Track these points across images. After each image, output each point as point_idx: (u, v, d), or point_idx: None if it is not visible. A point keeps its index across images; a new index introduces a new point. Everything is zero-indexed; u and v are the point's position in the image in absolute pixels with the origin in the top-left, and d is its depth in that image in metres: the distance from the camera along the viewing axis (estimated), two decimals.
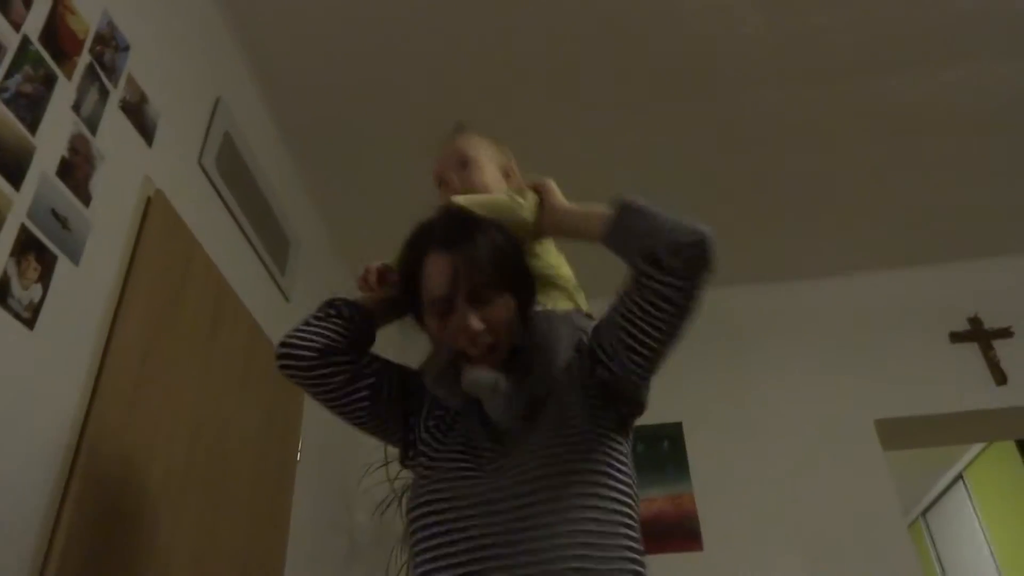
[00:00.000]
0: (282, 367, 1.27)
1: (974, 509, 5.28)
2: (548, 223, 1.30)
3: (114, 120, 1.77)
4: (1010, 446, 4.75)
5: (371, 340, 1.34)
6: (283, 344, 1.27)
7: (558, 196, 1.32)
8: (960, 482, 5.42)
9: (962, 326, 3.54)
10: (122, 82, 1.82)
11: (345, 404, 1.28)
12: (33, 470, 1.41)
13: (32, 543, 1.38)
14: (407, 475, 3.31)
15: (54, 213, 1.52)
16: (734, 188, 3.18)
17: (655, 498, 3.30)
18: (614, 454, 1.16)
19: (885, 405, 3.39)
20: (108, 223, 1.71)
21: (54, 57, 1.57)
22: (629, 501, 1.14)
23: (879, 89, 2.79)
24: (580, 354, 1.23)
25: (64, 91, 1.60)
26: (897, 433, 3.43)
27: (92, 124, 1.68)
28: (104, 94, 1.74)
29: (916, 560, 3.08)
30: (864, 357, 3.51)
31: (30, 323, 1.43)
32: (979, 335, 3.50)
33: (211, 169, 2.23)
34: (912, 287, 3.68)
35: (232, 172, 2.37)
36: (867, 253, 3.65)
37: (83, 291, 1.60)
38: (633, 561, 1.09)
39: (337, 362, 1.26)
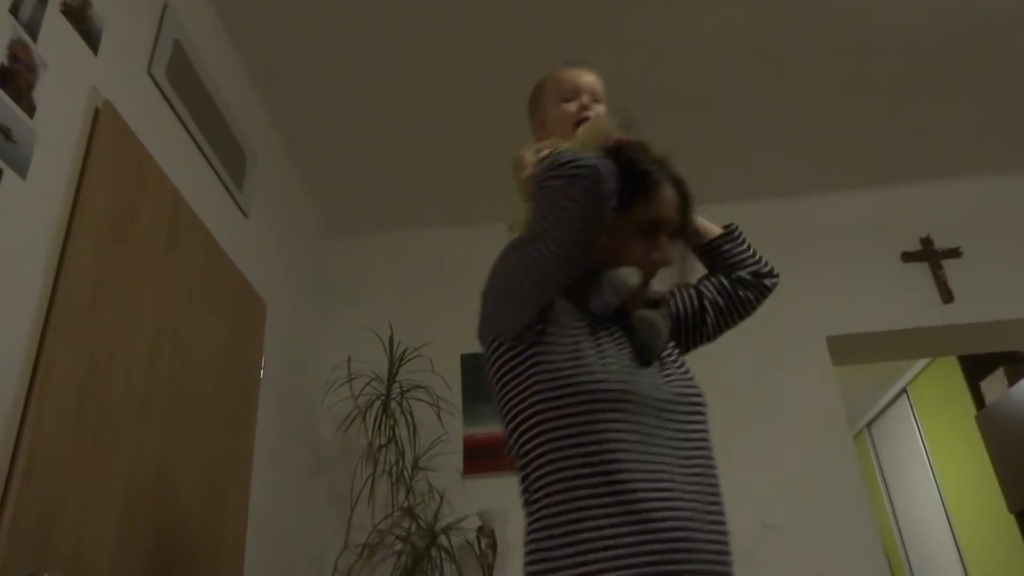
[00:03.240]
0: (587, 188, 1.17)
1: (916, 421, 5.54)
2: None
3: (56, 25, 1.69)
4: (952, 362, 4.95)
5: None
6: (592, 165, 1.17)
7: None
8: (904, 396, 5.66)
9: (914, 246, 3.63)
10: None
11: (592, 246, 1.22)
12: None
13: None
14: (370, 392, 3.35)
15: None
16: (683, 108, 3.17)
17: None
18: None
19: (837, 322, 3.50)
20: (55, 135, 1.64)
21: None
22: None
23: (830, 6, 2.76)
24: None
25: None
26: (847, 349, 3.56)
27: (32, 29, 1.60)
28: None
29: (858, 468, 3.24)
30: (818, 276, 3.59)
31: None
32: (929, 255, 3.60)
33: (161, 79, 2.15)
34: (866, 208, 3.75)
35: (183, 82, 2.29)
36: (822, 174, 3.69)
37: (32, 206, 1.55)
38: None
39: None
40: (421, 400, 3.28)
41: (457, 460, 3.32)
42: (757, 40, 2.88)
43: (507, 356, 1.28)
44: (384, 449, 3.16)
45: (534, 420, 1.21)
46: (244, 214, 2.71)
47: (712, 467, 1.25)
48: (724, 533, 1.20)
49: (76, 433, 1.57)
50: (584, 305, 1.31)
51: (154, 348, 1.92)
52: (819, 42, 2.91)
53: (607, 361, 1.23)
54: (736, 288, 1.49)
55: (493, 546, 3.04)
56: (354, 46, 2.79)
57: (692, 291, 1.50)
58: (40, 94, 1.60)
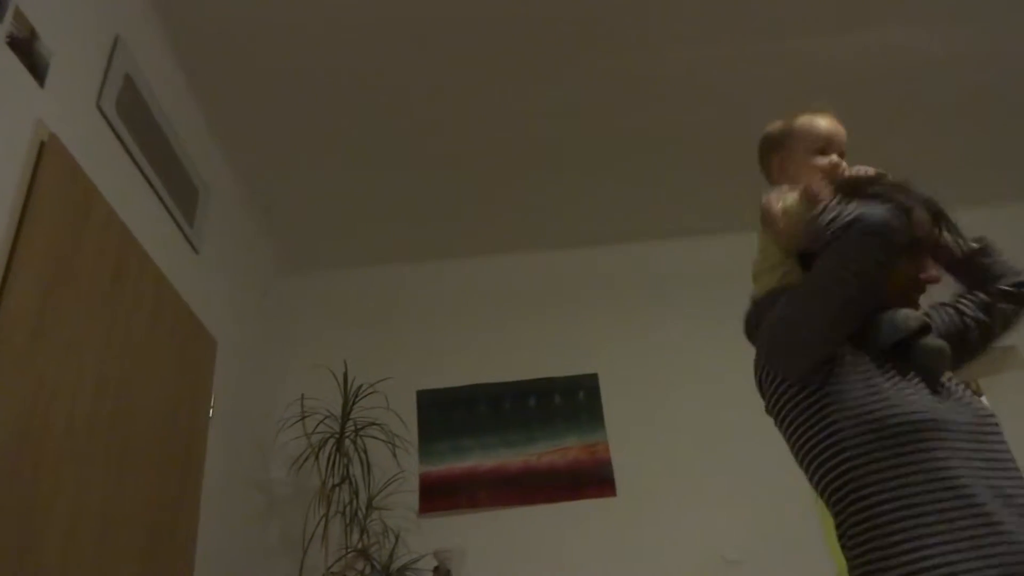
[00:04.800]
0: (887, 243, 1.30)
1: None
2: None
3: (1, 56, 1.65)
4: None
5: None
6: (891, 219, 1.30)
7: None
8: None
9: None
10: (8, 16, 1.68)
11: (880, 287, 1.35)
12: None
13: None
14: (323, 430, 3.29)
15: None
16: (641, 145, 3.22)
17: (570, 447, 3.39)
18: None
19: None
20: None
21: None
22: None
23: (793, 48, 2.86)
24: None
25: None
26: None
27: None
28: None
29: (818, 503, 3.27)
30: None
31: None
32: None
33: (111, 113, 2.11)
34: None
35: (134, 116, 2.25)
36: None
37: None
38: None
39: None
40: (376, 438, 3.23)
41: (412, 499, 3.27)
42: (717, 80, 2.95)
43: (798, 399, 1.33)
44: (338, 489, 3.10)
45: (840, 459, 1.26)
46: (195, 250, 2.66)
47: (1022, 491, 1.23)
48: None
49: (13, 476, 1.51)
50: (863, 342, 1.36)
51: (98, 387, 1.86)
52: (778, 81, 3.00)
53: (905, 392, 1.27)
54: (998, 301, 1.46)
55: None
56: (309, 83, 2.78)
57: (951, 309, 1.49)
58: None
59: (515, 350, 3.62)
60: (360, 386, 3.30)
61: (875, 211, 1.29)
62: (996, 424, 1.30)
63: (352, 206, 3.46)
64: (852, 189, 1.36)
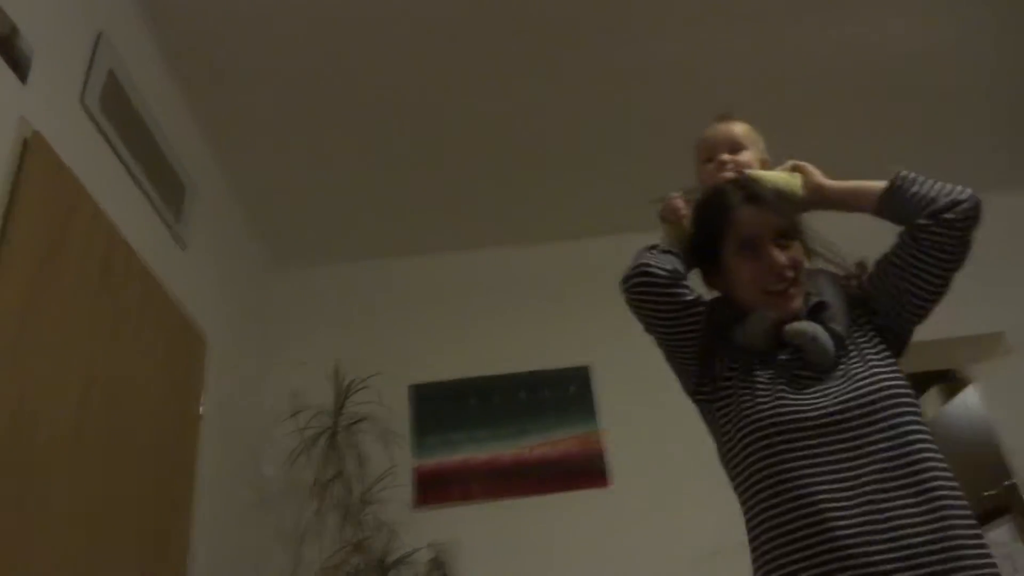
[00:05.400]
0: (636, 284, 1.43)
1: None
2: (819, 198, 1.49)
3: None
4: None
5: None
6: (641, 265, 1.44)
7: (821, 175, 1.51)
8: None
9: None
10: None
11: (682, 324, 1.42)
12: None
13: None
14: (316, 425, 3.28)
15: None
16: (632, 137, 3.23)
17: (561, 439, 3.39)
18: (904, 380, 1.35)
19: None
20: None
21: None
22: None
23: (790, 39, 2.85)
24: (853, 305, 1.42)
25: None
26: None
27: None
28: None
29: None
30: None
31: None
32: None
33: (95, 109, 2.09)
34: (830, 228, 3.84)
35: (119, 113, 2.23)
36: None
37: None
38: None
39: (684, 285, 1.43)
40: (368, 432, 3.23)
41: (406, 493, 3.27)
42: (705, 70, 2.95)
43: (702, 416, 1.48)
44: (331, 483, 3.10)
45: (729, 471, 1.38)
46: (183, 246, 2.64)
47: (900, 464, 1.20)
48: (912, 537, 1.14)
49: (3, 478, 1.50)
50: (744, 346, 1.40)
51: (86, 387, 1.85)
52: (767, 72, 2.99)
53: (757, 400, 1.32)
54: (915, 237, 1.33)
55: None
56: (296, 76, 2.77)
57: (877, 268, 1.43)
58: None
59: (506, 343, 3.62)
60: (352, 381, 3.29)
61: (642, 257, 1.45)
62: (875, 404, 1.26)
63: (340, 201, 3.44)
64: (695, 212, 1.50)
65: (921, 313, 1.38)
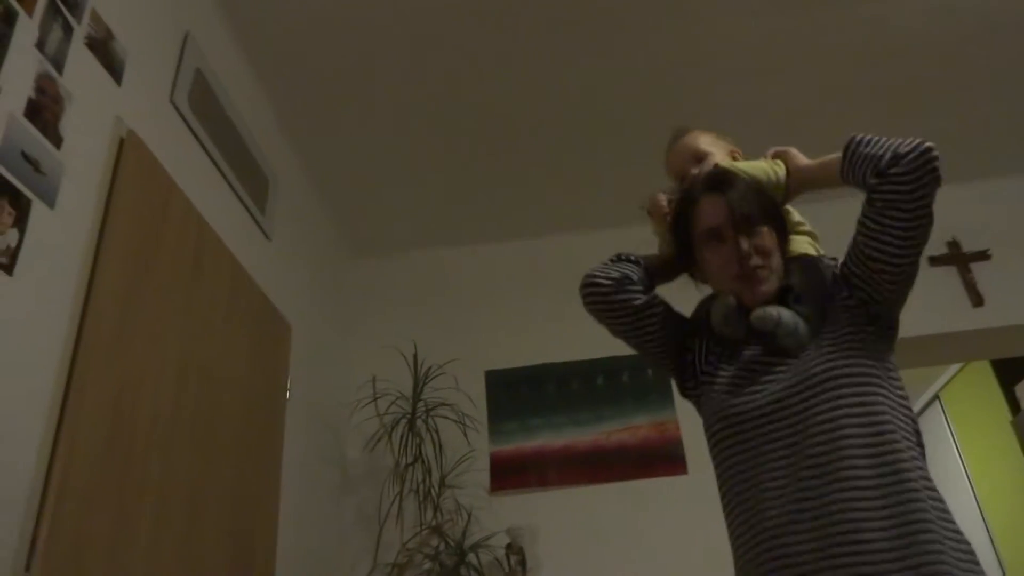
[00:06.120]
0: (586, 295, 1.50)
1: (949, 428, 5.44)
2: (797, 181, 1.49)
3: (80, 58, 1.72)
4: (985, 367, 4.86)
5: (653, 286, 1.55)
6: (587, 276, 1.51)
7: (801, 158, 1.50)
8: (937, 402, 5.56)
9: (940, 250, 3.58)
10: (86, 18, 1.75)
11: (638, 328, 1.48)
12: (20, 418, 1.41)
13: (28, 486, 1.39)
14: (395, 410, 3.35)
15: (24, 156, 1.48)
16: (703, 118, 3.15)
17: (640, 425, 3.37)
18: (887, 366, 1.32)
19: None
20: (81, 165, 1.67)
21: None
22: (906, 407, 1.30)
23: (844, 11, 2.75)
24: (836, 285, 1.38)
25: (26, 28, 1.54)
26: None
27: (58, 63, 1.63)
28: (68, 31, 1.68)
29: None
30: None
31: (8, 268, 1.41)
32: (958, 258, 3.55)
33: (183, 107, 2.18)
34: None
35: (205, 110, 2.32)
36: None
37: (60, 235, 1.58)
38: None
39: (631, 290, 1.47)
40: (446, 418, 3.28)
41: (483, 477, 3.31)
42: (781, 50, 2.87)
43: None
44: (411, 468, 3.16)
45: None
46: (267, 237, 2.73)
47: (833, 448, 1.18)
48: (837, 534, 1.11)
49: (106, 460, 1.59)
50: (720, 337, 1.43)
51: (181, 374, 1.94)
52: (839, 47, 2.89)
53: (715, 393, 1.37)
54: (870, 200, 1.27)
55: (523, 563, 3.02)
56: (373, 67, 2.82)
57: (849, 251, 1.37)
58: (66, 126, 1.63)
59: (583, 329, 3.58)
60: (430, 367, 3.35)
61: (594, 269, 1.52)
62: (812, 387, 1.24)
63: (416, 190, 3.50)
64: (675, 210, 1.52)
65: (895, 284, 1.29)
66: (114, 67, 1.85)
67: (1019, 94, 3.21)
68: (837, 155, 1.36)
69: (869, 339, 1.30)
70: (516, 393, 3.49)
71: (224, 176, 2.41)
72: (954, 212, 3.64)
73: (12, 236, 1.43)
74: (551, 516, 3.21)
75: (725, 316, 1.38)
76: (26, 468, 1.40)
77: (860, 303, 1.33)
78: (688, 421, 3.36)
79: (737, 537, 1.28)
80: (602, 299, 1.47)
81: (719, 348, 1.43)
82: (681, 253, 1.50)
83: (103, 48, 1.81)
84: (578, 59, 2.86)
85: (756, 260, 1.35)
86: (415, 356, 3.37)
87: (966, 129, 3.35)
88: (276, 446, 2.54)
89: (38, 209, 1.51)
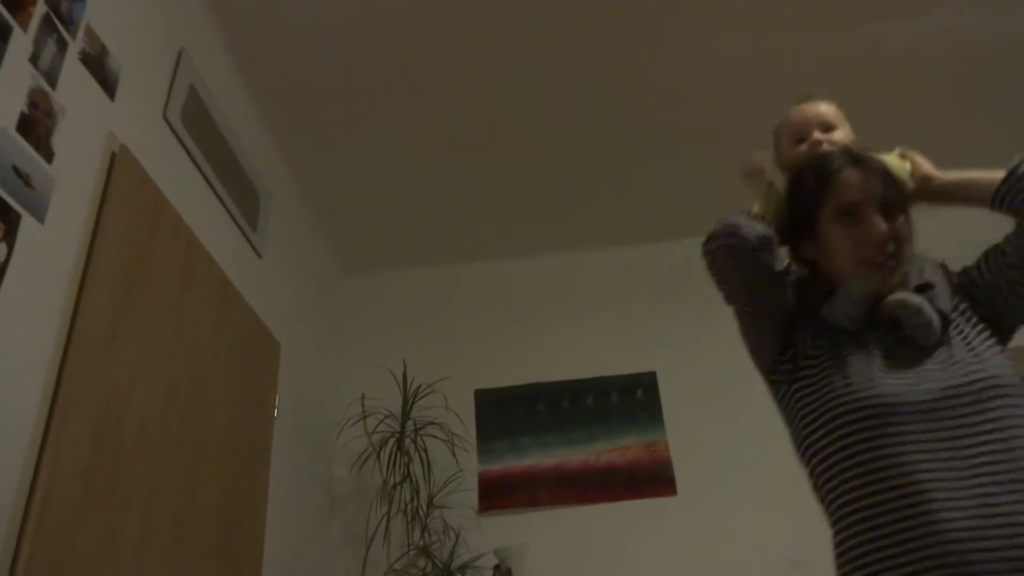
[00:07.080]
0: (721, 246, 1.32)
1: None
2: (928, 189, 1.38)
3: (74, 73, 1.72)
4: None
5: None
6: (727, 226, 1.32)
7: (928, 165, 1.41)
8: None
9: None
10: (80, 33, 1.76)
11: (771, 293, 1.34)
12: (5, 432, 1.39)
13: (10, 501, 1.37)
14: (384, 429, 3.33)
15: (15, 170, 1.48)
16: (700, 140, 3.19)
17: (629, 445, 3.37)
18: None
19: None
20: (72, 180, 1.67)
21: (7, 6, 1.51)
22: None
23: (859, 37, 2.79)
24: (954, 294, 1.33)
25: (20, 43, 1.54)
26: None
27: (51, 77, 1.63)
28: (63, 46, 1.68)
29: None
30: None
31: None
32: None
33: (176, 123, 2.18)
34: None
35: (198, 126, 2.32)
36: None
37: (50, 250, 1.57)
38: None
39: (775, 252, 1.33)
40: (435, 437, 3.26)
41: (472, 497, 3.29)
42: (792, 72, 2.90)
43: (776, 398, 1.36)
44: (399, 487, 3.14)
45: (809, 457, 1.26)
46: (258, 254, 2.73)
47: (1010, 457, 1.10)
48: None
49: (92, 474, 1.57)
50: (833, 323, 1.31)
51: (169, 389, 1.93)
52: (840, 69, 2.93)
53: (849, 380, 1.22)
54: None
55: None
56: (365, 85, 2.83)
57: (987, 257, 1.33)
58: (58, 140, 1.62)
59: (572, 348, 3.62)
60: (419, 386, 3.34)
61: (731, 221, 1.32)
62: (987, 390, 1.16)
63: (408, 208, 3.50)
64: (796, 176, 1.38)
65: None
66: (108, 82, 1.85)
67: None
68: (989, 175, 1.30)
69: (1002, 349, 1.26)
70: (506, 412, 3.49)
71: (215, 192, 2.41)
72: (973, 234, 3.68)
73: (1, 250, 1.42)
74: (540, 537, 3.19)
75: (859, 297, 1.27)
76: (9, 483, 1.38)
77: (980, 316, 1.30)
78: (678, 442, 3.36)
79: (882, 535, 1.13)
80: (745, 255, 1.30)
81: (825, 332, 1.32)
82: (798, 223, 1.37)
83: (97, 63, 1.81)
84: (572, 78, 2.88)
85: (891, 247, 1.26)
86: (404, 374, 3.35)
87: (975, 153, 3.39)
88: (263, 463, 2.52)
89: (27, 223, 1.50)
